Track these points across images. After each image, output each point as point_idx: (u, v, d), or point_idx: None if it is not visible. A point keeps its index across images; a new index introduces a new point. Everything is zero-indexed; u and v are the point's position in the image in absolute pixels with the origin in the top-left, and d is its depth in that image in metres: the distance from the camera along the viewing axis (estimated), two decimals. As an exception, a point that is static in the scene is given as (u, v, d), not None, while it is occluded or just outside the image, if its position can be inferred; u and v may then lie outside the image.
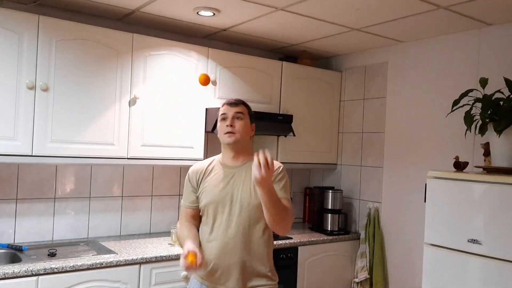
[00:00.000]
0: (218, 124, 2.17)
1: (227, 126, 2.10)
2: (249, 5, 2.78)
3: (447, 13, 2.77)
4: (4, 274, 2.29)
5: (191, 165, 3.23)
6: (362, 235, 3.62)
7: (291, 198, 2.19)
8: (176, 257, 2.81)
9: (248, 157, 2.17)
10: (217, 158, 2.24)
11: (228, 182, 2.10)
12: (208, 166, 2.20)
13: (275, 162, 2.14)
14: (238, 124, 2.11)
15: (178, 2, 2.80)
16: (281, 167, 2.14)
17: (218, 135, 2.18)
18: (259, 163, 1.78)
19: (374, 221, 3.59)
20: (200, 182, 2.17)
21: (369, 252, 3.56)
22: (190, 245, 1.94)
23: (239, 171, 2.13)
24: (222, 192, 2.10)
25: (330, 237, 3.58)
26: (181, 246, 2.06)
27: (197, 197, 2.16)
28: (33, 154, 2.62)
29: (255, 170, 1.80)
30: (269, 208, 1.91)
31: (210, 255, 2.08)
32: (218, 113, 2.20)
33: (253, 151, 2.15)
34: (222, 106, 2.17)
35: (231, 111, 2.12)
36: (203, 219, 2.16)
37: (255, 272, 2.09)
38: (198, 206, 2.16)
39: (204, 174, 2.18)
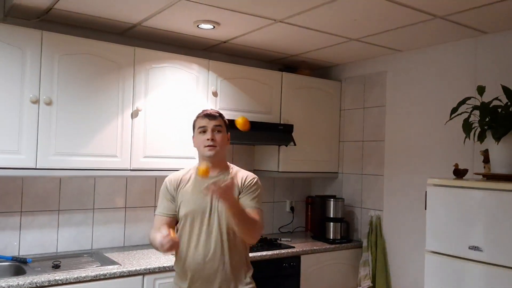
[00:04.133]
0: (196, 135, 2.22)
1: (207, 139, 2.14)
2: (248, 18, 2.82)
3: (443, 23, 2.81)
4: (9, 287, 2.30)
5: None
6: (364, 243, 3.62)
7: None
8: (179, 268, 2.83)
9: (224, 167, 2.25)
10: (193, 168, 2.29)
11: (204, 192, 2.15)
12: (184, 175, 2.26)
13: (249, 173, 2.26)
14: (218, 137, 2.17)
15: (179, 16, 2.84)
16: (255, 179, 2.22)
17: (196, 146, 2.22)
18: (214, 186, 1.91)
19: (376, 229, 3.60)
20: (178, 191, 2.22)
21: (372, 260, 3.56)
22: (165, 231, 2.01)
23: (217, 181, 2.15)
24: (201, 202, 2.15)
25: (332, 246, 3.59)
26: (155, 243, 2.08)
27: (175, 206, 2.22)
28: (37, 167, 2.65)
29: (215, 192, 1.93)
30: (235, 221, 1.99)
31: (190, 264, 2.13)
32: (194, 124, 2.25)
33: (226, 161, 2.29)
34: (199, 117, 2.22)
35: (210, 124, 2.17)
36: (182, 229, 2.20)
37: (235, 279, 2.15)
38: (174, 214, 2.23)
39: (181, 184, 2.23)
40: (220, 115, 2.24)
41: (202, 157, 2.22)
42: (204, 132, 2.18)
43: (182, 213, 2.19)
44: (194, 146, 2.26)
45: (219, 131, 2.19)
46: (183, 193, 2.21)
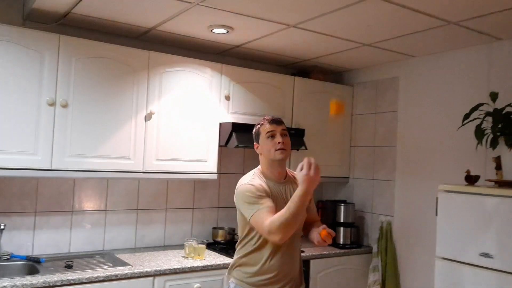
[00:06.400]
0: (263, 141, 2.21)
1: (279, 143, 2.17)
2: (262, 23, 2.85)
3: (457, 28, 2.80)
4: (23, 286, 2.35)
5: (205, 179, 3.32)
6: (375, 249, 3.61)
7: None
8: (190, 270, 2.86)
9: (285, 173, 2.30)
10: (259, 174, 2.24)
11: (284, 196, 2.19)
12: (262, 181, 2.20)
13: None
14: (286, 141, 2.20)
15: (193, 21, 2.88)
16: None
17: (263, 152, 2.22)
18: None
19: (386, 234, 3.58)
20: (270, 194, 2.16)
21: (382, 266, 3.54)
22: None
23: (287, 185, 2.24)
24: (284, 206, 2.14)
25: (342, 251, 3.58)
26: (294, 208, 1.97)
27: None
28: (52, 168, 2.69)
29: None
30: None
31: (275, 268, 2.16)
32: (258, 130, 2.25)
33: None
34: (265, 123, 2.23)
35: (278, 128, 2.20)
36: None
37: (300, 279, 2.26)
38: None
39: (268, 188, 2.17)
40: (283, 122, 2.28)
41: (271, 161, 2.21)
42: (273, 136, 2.19)
43: None
44: (260, 152, 2.25)
45: (285, 135, 2.22)
46: (272, 197, 2.17)
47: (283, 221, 1.97)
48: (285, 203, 2.13)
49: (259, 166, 2.30)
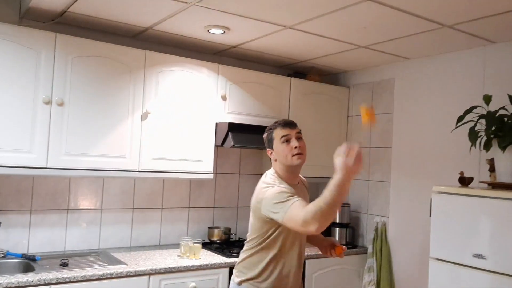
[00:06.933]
0: (277, 145, 2.13)
1: (295, 147, 2.08)
2: (259, 24, 2.86)
3: (451, 32, 2.82)
4: (18, 283, 2.35)
5: (201, 178, 3.32)
6: (370, 249, 3.63)
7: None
8: (185, 269, 2.87)
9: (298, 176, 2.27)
10: (278, 178, 2.15)
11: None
12: (285, 185, 2.14)
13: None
14: (302, 145, 2.13)
15: (190, 21, 2.89)
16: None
17: (279, 158, 2.12)
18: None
19: (381, 235, 3.60)
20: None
21: (377, 266, 3.56)
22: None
23: (299, 188, 2.22)
24: None
25: (337, 251, 3.59)
26: (330, 198, 1.81)
27: None
28: (47, 167, 2.70)
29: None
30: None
31: (284, 276, 2.15)
32: (271, 135, 2.16)
33: None
34: (278, 127, 2.14)
35: (293, 132, 2.12)
36: (281, 234, 2.11)
37: (300, 280, 2.28)
38: None
39: None
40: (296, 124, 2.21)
41: (287, 167, 2.13)
42: (288, 140, 2.11)
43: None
44: (274, 158, 2.16)
45: (301, 139, 2.14)
46: None
47: (318, 210, 1.79)
48: None
49: (273, 171, 2.19)
